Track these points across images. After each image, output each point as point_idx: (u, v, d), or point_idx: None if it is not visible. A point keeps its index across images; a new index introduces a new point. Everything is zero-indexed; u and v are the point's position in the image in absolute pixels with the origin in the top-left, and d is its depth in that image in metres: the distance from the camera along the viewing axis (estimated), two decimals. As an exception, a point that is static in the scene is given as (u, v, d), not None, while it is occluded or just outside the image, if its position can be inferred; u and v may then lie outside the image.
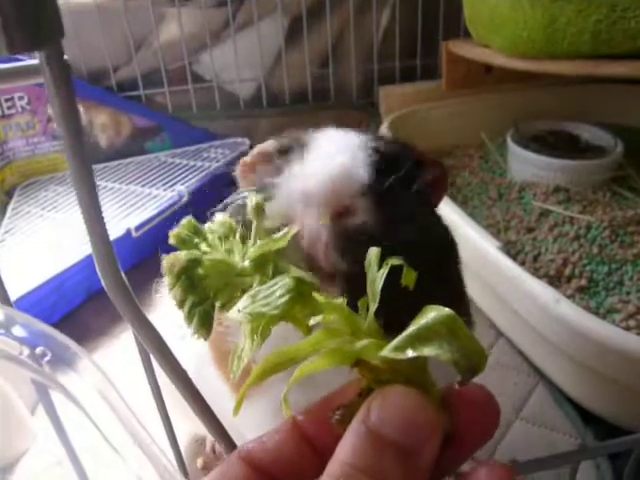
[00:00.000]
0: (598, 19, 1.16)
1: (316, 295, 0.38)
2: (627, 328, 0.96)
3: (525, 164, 1.46)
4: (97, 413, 0.31)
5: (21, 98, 1.71)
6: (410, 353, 0.34)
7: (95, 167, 1.78)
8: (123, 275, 0.36)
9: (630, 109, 1.70)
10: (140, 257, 1.34)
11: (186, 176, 1.63)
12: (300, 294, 0.38)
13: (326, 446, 0.36)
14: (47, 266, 1.23)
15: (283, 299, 0.37)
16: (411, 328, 0.36)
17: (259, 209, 0.44)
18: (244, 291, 0.40)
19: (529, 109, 1.67)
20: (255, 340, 0.37)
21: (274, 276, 0.39)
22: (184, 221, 0.42)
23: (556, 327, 0.85)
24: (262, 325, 0.37)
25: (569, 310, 0.83)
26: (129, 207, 1.50)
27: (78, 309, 1.30)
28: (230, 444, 0.44)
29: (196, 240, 0.41)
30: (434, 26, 1.85)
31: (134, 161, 1.82)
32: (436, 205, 0.59)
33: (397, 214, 0.47)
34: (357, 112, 1.94)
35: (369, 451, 0.32)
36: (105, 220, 0.34)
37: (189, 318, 0.39)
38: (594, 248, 1.17)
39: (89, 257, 1.16)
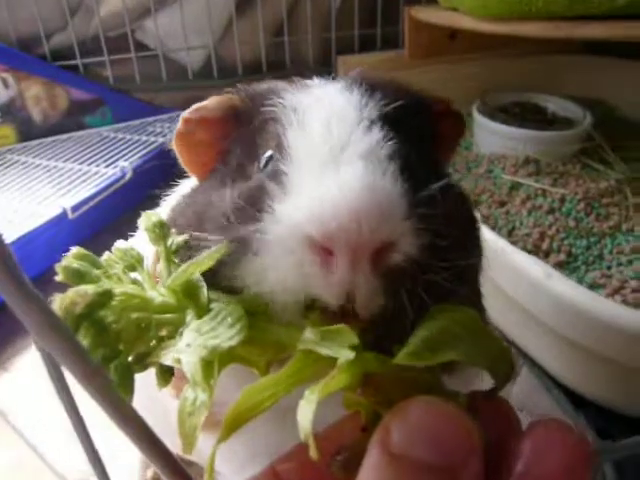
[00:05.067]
0: (575, -25, 1.09)
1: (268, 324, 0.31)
2: (613, 304, 0.91)
3: (493, 136, 1.41)
4: None
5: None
6: (434, 358, 0.29)
7: (28, 144, 1.65)
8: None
9: (597, 81, 1.66)
10: (77, 241, 1.20)
11: (130, 152, 1.51)
12: (251, 326, 0.30)
13: None
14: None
15: (237, 327, 0.29)
16: (423, 331, 0.30)
17: (161, 229, 0.35)
18: (161, 339, 0.31)
19: (494, 80, 1.62)
20: (212, 381, 0.29)
21: (209, 307, 0.31)
22: (73, 251, 0.33)
23: (547, 304, 0.78)
24: (216, 362, 0.29)
25: (562, 285, 0.76)
26: (66, 186, 1.36)
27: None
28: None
29: (95, 272, 0.32)
30: (395, -8, 1.79)
31: (72, 137, 1.70)
32: (448, 158, 0.52)
33: (443, 230, 0.35)
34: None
35: None
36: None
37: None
38: (570, 221, 1.12)
39: None
